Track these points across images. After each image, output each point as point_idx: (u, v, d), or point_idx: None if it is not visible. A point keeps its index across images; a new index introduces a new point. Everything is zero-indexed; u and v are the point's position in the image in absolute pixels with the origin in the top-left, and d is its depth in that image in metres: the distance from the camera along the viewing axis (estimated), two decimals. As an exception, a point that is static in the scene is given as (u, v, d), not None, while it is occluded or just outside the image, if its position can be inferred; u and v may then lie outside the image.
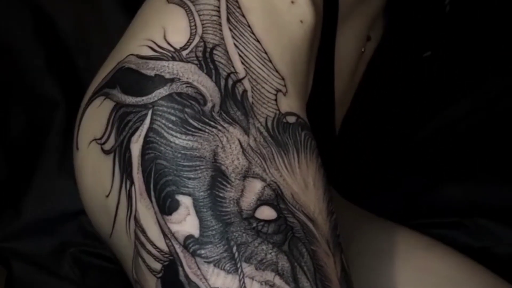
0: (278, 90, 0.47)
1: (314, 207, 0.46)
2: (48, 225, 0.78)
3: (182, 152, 0.43)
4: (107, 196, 0.46)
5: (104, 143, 0.47)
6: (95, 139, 0.48)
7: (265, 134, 0.46)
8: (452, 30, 0.78)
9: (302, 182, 0.46)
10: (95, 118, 0.48)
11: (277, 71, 0.48)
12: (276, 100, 0.47)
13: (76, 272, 0.76)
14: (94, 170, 0.48)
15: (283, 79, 0.48)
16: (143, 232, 0.44)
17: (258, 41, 0.48)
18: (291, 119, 0.47)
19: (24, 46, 0.83)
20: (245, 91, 0.46)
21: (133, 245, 0.45)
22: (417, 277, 0.69)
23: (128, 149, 0.44)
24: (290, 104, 0.48)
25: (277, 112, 0.47)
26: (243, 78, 0.46)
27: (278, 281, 0.42)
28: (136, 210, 0.44)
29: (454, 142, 0.86)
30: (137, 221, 0.44)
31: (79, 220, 0.78)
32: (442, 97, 0.87)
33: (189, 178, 0.43)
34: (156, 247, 0.43)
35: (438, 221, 0.80)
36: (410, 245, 0.72)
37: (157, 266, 0.43)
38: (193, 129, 0.43)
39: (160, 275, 0.43)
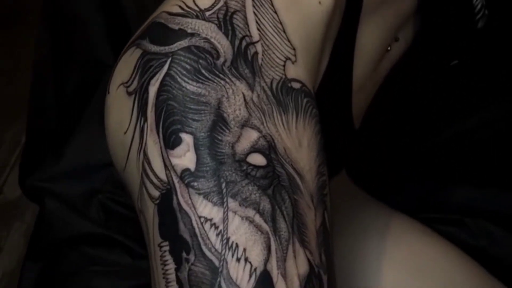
0: (287, 58, 0.50)
1: (304, 164, 0.49)
2: (82, 172, 0.85)
3: (191, 96, 0.46)
4: (125, 132, 0.50)
5: (129, 86, 0.50)
6: (122, 83, 0.51)
7: (269, 93, 0.48)
8: (482, 43, 0.79)
9: (297, 140, 0.49)
10: (125, 65, 0.52)
11: (289, 41, 0.51)
12: (284, 66, 0.50)
13: (101, 215, 0.83)
14: (118, 110, 0.52)
15: (294, 49, 0.51)
16: (149, 163, 0.47)
17: (275, 12, 0.51)
18: (296, 85, 0.50)
19: (90, 16, 0.92)
20: (256, 53, 0.49)
21: (140, 176, 0.48)
22: (406, 258, 0.72)
23: (146, 90, 0.48)
24: (297, 72, 0.51)
25: (283, 76, 0.49)
26: (257, 42, 0.49)
27: (257, 218, 0.44)
28: (145, 144, 0.47)
29: (467, 150, 0.87)
30: (145, 153, 0.47)
31: (110, 171, 0.84)
32: (462, 106, 0.89)
33: (194, 120, 0.46)
34: (157, 177, 0.46)
35: (441, 217, 0.82)
36: (405, 229, 0.75)
37: (156, 193, 0.46)
38: (203, 78, 0.47)
39: (157, 201, 0.46)
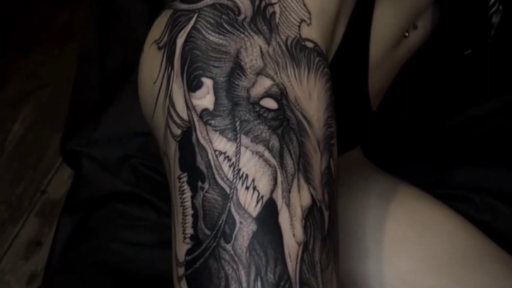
0: (302, 20, 0.54)
1: (312, 113, 0.52)
2: (117, 139, 0.91)
3: (213, 46, 0.50)
4: (155, 82, 0.55)
5: (160, 41, 0.55)
6: (155, 41, 0.56)
7: (283, 48, 0.52)
8: (495, 35, 0.82)
9: (307, 92, 0.52)
10: (158, 25, 0.57)
11: (305, 5, 0.55)
12: (299, 27, 0.54)
13: (131, 177, 0.89)
14: (149, 64, 0.57)
15: (309, 13, 0.55)
16: (173, 106, 0.51)
17: None
18: (309, 44, 0.54)
19: (133, 5, 0.99)
20: (274, 12, 0.53)
21: (165, 119, 0.52)
22: (408, 216, 0.75)
23: (174, 42, 0.52)
24: (311, 33, 0.54)
25: (298, 35, 0.53)
26: (275, 3, 0.53)
27: (266, 153, 0.48)
28: (171, 89, 0.52)
29: (478, 134, 0.91)
30: (170, 97, 0.52)
31: (144, 139, 0.90)
32: (474, 94, 0.92)
33: (214, 66, 0.50)
34: (179, 117, 0.50)
35: (447, 193, 0.85)
36: (410, 195, 0.78)
37: (178, 132, 0.51)
38: (225, 31, 0.51)
39: (179, 139, 0.50)
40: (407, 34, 0.74)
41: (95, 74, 0.97)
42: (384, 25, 0.70)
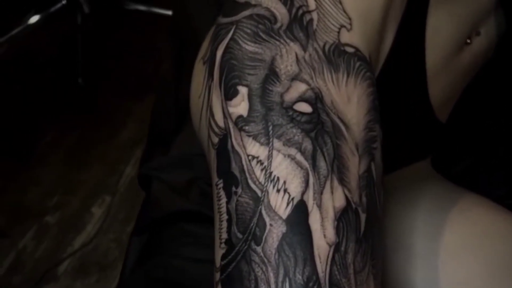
0: (342, 26, 0.53)
1: (351, 117, 0.51)
2: (186, 161, 0.93)
3: (249, 55, 0.51)
4: (199, 96, 0.57)
5: (205, 57, 0.58)
6: (201, 58, 0.59)
7: (320, 53, 0.52)
8: None
9: (346, 96, 0.51)
10: (205, 42, 0.60)
11: (345, 11, 0.54)
12: (338, 33, 0.53)
13: (198, 198, 0.89)
14: (196, 80, 0.60)
15: (349, 18, 0.54)
16: (212, 116, 0.52)
17: None
18: (349, 49, 0.53)
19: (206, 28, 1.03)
20: (311, 19, 0.53)
21: (207, 129, 0.53)
22: (464, 227, 0.72)
23: (214, 55, 0.53)
24: (352, 38, 0.54)
25: (337, 41, 0.53)
26: (313, 10, 0.53)
27: (299, 156, 0.48)
28: (211, 100, 0.53)
29: None
30: (210, 108, 0.53)
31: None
32: None
33: (250, 74, 0.50)
34: (217, 126, 0.51)
35: None
36: (473, 203, 0.75)
37: (216, 140, 0.52)
38: (261, 39, 0.51)
39: (216, 147, 0.51)
40: (469, 41, 0.72)
41: (169, 103, 1.00)
42: (440, 31, 0.68)
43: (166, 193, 0.92)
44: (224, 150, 0.50)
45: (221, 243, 0.49)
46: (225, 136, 0.50)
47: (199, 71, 0.58)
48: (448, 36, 0.69)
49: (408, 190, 0.79)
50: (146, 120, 2.05)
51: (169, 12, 2.14)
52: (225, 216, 0.50)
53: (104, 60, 2.27)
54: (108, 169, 1.98)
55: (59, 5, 2.24)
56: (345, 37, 0.53)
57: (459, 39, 0.71)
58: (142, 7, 2.25)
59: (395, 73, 0.62)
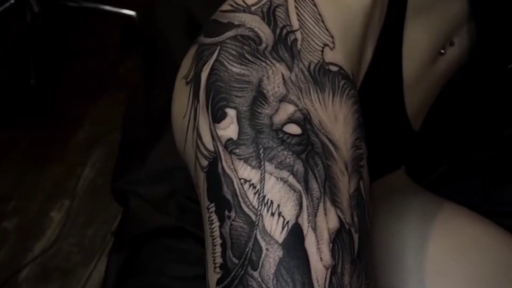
0: (325, 45, 0.54)
1: (339, 136, 0.52)
2: (163, 174, 0.92)
3: (236, 77, 0.51)
4: (184, 117, 0.56)
5: (187, 77, 0.57)
6: (183, 77, 0.57)
7: (306, 73, 0.52)
8: None
9: (332, 115, 0.52)
10: (186, 61, 0.58)
11: (327, 30, 0.55)
12: (322, 52, 0.54)
13: (177, 212, 0.89)
14: (179, 99, 0.58)
15: (332, 37, 0.55)
16: (200, 138, 0.52)
17: (315, 5, 0.56)
18: (333, 68, 0.54)
19: (176, 44, 1.01)
20: (295, 39, 0.53)
21: (194, 151, 0.53)
22: (448, 236, 0.74)
23: (199, 76, 0.53)
24: (335, 57, 0.54)
25: (321, 60, 0.53)
26: (296, 30, 0.54)
27: (291, 179, 0.48)
28: (198, 122, 0.53)
29: None
30: (197, 130, 0.53)
31: (187, 173, 0.91)
32: None
33: (237, 96, 0.50)
34: (206, 148, 0.51)
35: (501, 210, 0.82)
36: (452, 214, 0.76)
37: (205, 163, 0.51)
38: (247, 61, 0.51)
39: (206, 170, 0.51)
40: (443, 51, 0.73)
41: (141, 112, 0.99)
42: (416, 43, 0.69)
43: (145, 208, 0.91)
44: (215, 173, 0.50)
45: (215, 267, 0.49)
46: (215, 159, 0.50)
47: (182, 91, 0.57)
48: (424, 47, 0.70)
49: (387, 202, 0.80)
50: (102, 120, 2.03)
51: (121, 10, 2.11)
52: (218, 240, 0.49)
53: (57, 60, 2.23)
54: (65, 172, 1.95)
55: (7, 4, 2.18)
56: (329, 56, 0.54)
57: (434, 50, 0.72)
58: (91, 5, 2.22)
59: (374, 86, 0.63)
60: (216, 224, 0.50)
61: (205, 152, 0.52)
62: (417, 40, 0.69)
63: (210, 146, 0.51)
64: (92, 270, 1.72)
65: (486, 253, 0.72)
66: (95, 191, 1.89)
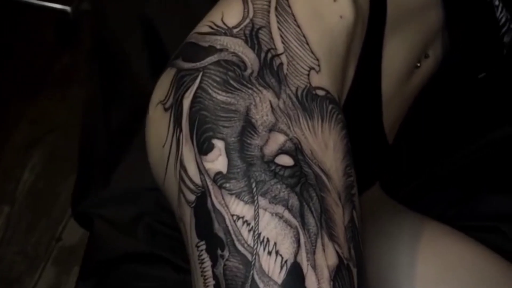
0: (311, 68, 0.54)
1: (330, 165, 0.51)
2: (130, 196, 0.89)
3: (221, 105, 0.49)
4: (163, 145, 0.54)
5: (165, 103, 0.54)
6: (160, 102, 0.55)
7: (294, 99, 0.51)
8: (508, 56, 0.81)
9: (323, 143, 0.51)
10: (162, 85, 0.56)
11: (312, 52, 0.54)
12: (308, 75, 0.53)
13: (147, 236, 0.86)
14: (157, 126, 0.56)
15: (317, 59, 0.54)
16: (185, 170, 0.50)
17: (299, 27, 0.55)
18: (320, 93, 0.53)
19: (134, 52, 0.97)
20: (281, 64, 0.53)
21: (177, 184, 0.51)
22: (435, 259, 0.73)
23: (181, 103, 0.51)
24: (321, 81, 0.53)
25: (308, 84, 0.52)
26: (281, 53, 0.53)
27: (287, 214, 0.47)
28: (181, 153, 0.51)
29: (499, 159, 0.89)
30: (181, 161, 0.51)
31: (156, 195, 0.86)
32: (493, 116, 0.90)
33: (224, 126, 0.49)
34: (192, 182, 0.49)
35: (477, 224, 0.83)
36: (436, 234, 0.76)
37: (192, 197, 0.49)
38: (232, 88, 0.50)
39: (193, 205, 0.49)
40: (418, 64, 0.73)
41: (100, 128, 0.95)
42: (395, 59, 0.68)
43: (111, 233, 0.87)
44: (204, 209, 0.49)
45: None
46: (203, 194, 0.49)
47: (159, 118, 0.55)
48: (401, 62, 0.70)
49: (370, 221, 0.79)
50: (39, 120, 1.95)
51: (54, 5, 2.03)
52: (211, 281, 0.48)
53: (-11, 57, 2.14)
54: (3, 176, 1.87)
55: None
56: (315, 80, 0.53)
57: (411, 64, 0.72)
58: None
59: (355, 105, 0.62)
60: (208, 263, 0.48)
61: (192, 186, 0.50)
62: (396, 56, 0.68)
63: (197, 179, 0.49)
64: (38, 279, 1.66)
65: (473, 271, 0.72)
66: (36, 195, 1.83)
